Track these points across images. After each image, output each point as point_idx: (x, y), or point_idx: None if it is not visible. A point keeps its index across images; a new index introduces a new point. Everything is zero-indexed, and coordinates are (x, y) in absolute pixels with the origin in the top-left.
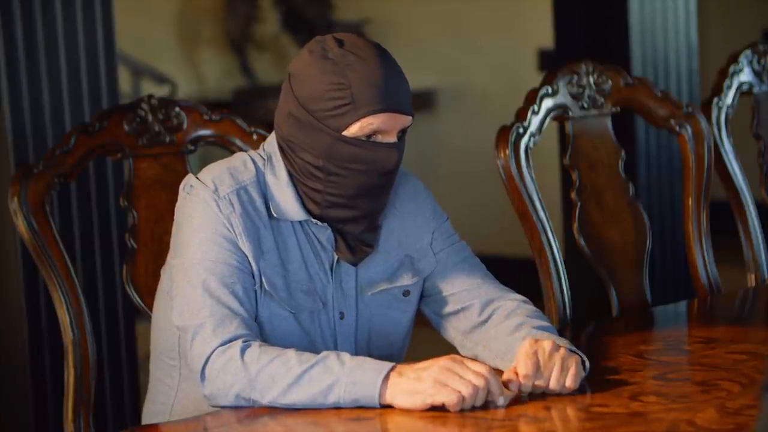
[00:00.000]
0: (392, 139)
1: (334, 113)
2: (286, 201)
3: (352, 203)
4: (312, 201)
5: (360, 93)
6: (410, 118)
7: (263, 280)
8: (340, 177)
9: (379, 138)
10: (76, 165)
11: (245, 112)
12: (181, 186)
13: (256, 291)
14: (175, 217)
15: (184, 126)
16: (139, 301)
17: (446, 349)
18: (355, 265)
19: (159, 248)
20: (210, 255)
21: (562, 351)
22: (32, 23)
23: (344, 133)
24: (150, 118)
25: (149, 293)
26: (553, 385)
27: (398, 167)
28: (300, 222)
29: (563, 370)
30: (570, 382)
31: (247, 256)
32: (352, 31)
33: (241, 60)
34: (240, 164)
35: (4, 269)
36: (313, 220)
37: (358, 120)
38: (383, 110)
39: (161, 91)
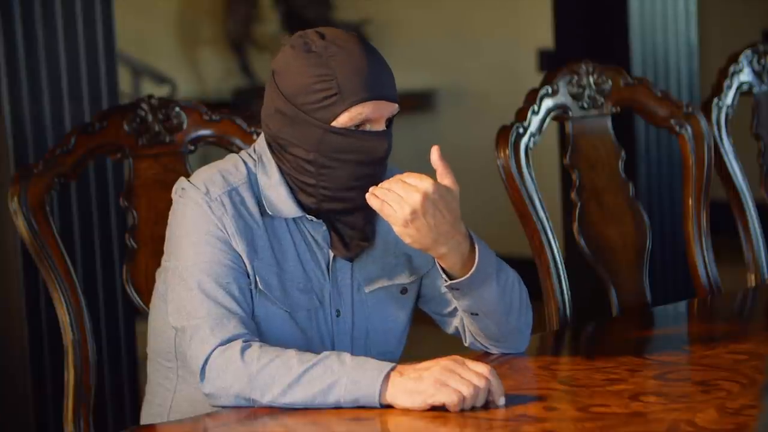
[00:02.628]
0: (381, 127)
1: (321, 105)
2: (279, 199)
3: (346, 195)
4: (307, 195)
5: (346, 83)
6: (397, 106)
7: (257, 279)
8: (331, 169)
9: (368, 127)
10: (76, 165)
11: (245, 113)
12: (174, 189)
13: (251, 290)
14: (168, 221)
15: (184, 126)
16: (139, 301)
17: (447, 348)
18: (351, 260)
19: (159, 248)
20: (204, 256)
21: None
22: (32, 23)
23: (333, 123)
24: (150, 118)
25: (149, 293)
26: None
27: (388, 155)
28: (294, 220)
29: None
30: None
31: (241, 256)
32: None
33: (241, 60)
34: (231, 166)
35: (4, 269)
36: (308, 216)
37: (346, 110)
38: (370, 98)
39: (161, 91)
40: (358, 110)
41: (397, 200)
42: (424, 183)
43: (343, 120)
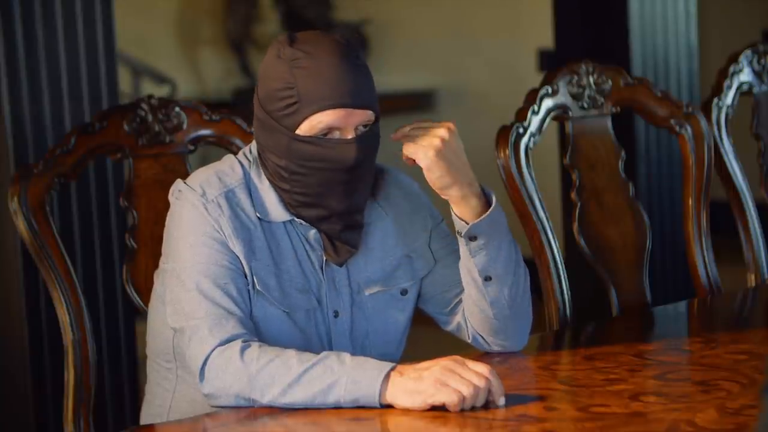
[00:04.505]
0: (349, 134)
1: (285, 112)
2: (270, 202)
3: (319, 201)
4: (285, 201)
5: (305, 91)
6: (368, 112)
7: (255, 280)
8: (302, 176)
9: (337, 134)
10: (76, 165)
11: (245, 112)
12: (170, 191)
13: (249, 291)
14: (165, 223)
15: (184, 126)
16: (139, 301)
17: (447, 348)
18: (340, 265)
19: (159, 248)
20: (201, 258)
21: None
22: (32, 23)
23: (297, 131)
24: (150, 118)
25: (149, 293)
26: (407, 148)
27: (361, 163)
28: (289, 222)
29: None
30: (412, 149)
31: (238, 257)
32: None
33: (241, 60)
34: (227, 167)
35: (4, 269)
36: (297, 219)
37: (306, 118)
38: (331, 107)
39: (161, 91)
40: (318, 119)
41: (423, 141)
42: (441, 128)
43: (305, 128)
